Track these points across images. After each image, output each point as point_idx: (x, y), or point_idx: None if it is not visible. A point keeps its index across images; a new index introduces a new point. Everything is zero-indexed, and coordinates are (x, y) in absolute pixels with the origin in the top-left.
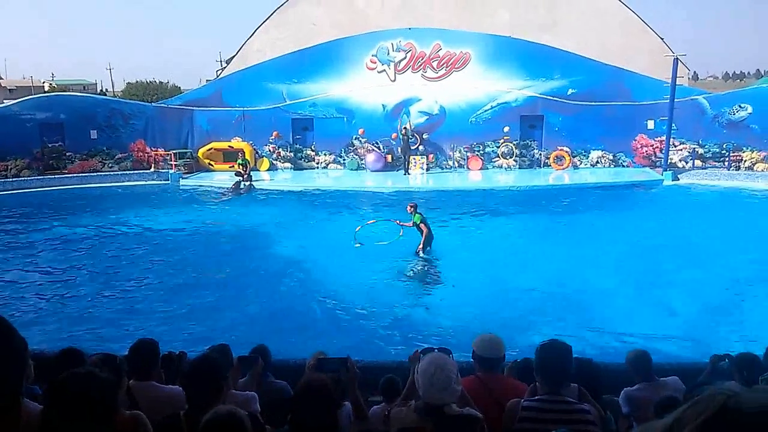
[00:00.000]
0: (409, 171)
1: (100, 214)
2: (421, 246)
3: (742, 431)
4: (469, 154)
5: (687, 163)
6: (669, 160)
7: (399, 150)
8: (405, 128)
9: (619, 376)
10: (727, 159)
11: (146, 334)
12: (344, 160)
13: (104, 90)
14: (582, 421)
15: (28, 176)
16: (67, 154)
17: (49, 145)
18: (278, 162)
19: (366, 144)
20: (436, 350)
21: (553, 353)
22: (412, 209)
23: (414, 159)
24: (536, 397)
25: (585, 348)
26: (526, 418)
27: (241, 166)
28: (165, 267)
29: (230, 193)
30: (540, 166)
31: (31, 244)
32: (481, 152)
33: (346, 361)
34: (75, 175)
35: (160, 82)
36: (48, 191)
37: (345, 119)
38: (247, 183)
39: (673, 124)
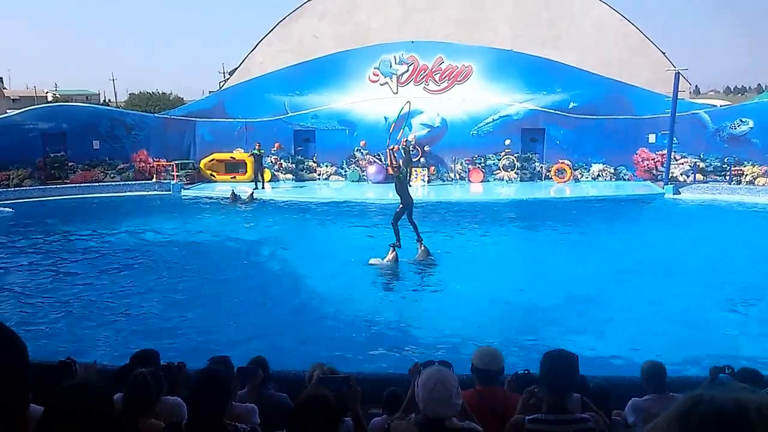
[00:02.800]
0: (411, 183)
1: (101, 224)
2: (396, 216)
3: (715, 422)
4: (470, 166)
5: (688, 177)
6: (670, 174)
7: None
8: (406, 140)
9: (615, 389)
10: (728, 173)
11: (141, 344)
12: (346, 171)
13: (107, 100)
14: None
15: (30, 186)
16: (70, 164)
17: (52, 155)
18: (280, 173)
19: (368, 156)
20: (436, 363)
21: (559, 362)
22: (398, 166)
23: (415, 171)
24: (541, 414)
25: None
26: None
27: (254, 155)
28: (162, 276)
29: (236, 203)
30: (541, 179)
31: (30, 254)
32: (483, 165)
33: (348, 379)
34: (77, 185)
35: (163, 93)
36: (49, 201)
37: (347, 131)
38: (252, 191)
39: (675, 138)
